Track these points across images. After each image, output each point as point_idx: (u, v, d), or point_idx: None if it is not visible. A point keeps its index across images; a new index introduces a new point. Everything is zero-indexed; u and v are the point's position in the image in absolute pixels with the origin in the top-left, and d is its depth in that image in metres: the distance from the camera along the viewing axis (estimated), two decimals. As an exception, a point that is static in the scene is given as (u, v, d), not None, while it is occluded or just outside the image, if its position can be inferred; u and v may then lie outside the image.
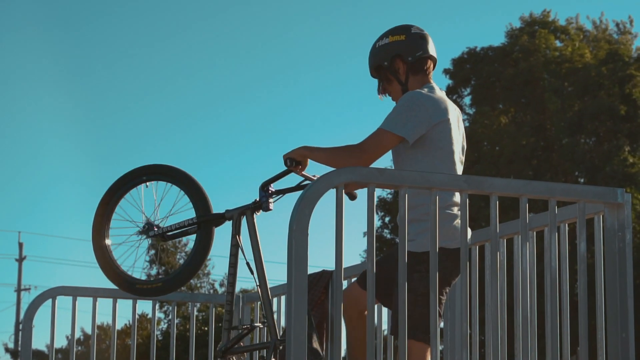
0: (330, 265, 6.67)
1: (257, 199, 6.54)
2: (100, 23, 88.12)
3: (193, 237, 6.72)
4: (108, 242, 6.85)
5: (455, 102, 38.85)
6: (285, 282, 5.03)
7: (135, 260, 6.85)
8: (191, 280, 45.72)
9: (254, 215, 6.60)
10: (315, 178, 6.42)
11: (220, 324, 6.78)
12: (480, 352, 5.91)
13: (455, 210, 5.80)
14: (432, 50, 6.16)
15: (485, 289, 5.88)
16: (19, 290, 60.80)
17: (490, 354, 5.69)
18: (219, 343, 6.61)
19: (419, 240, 5.64)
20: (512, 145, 38.46)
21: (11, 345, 55.54)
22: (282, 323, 7.72)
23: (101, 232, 6.87)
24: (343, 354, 5.95)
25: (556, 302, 5.41)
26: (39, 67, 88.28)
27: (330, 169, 5.36)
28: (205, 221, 6.63)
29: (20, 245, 60.97)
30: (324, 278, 6.98)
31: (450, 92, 41.84)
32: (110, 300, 8.17)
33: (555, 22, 42.73)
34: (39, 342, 55.13)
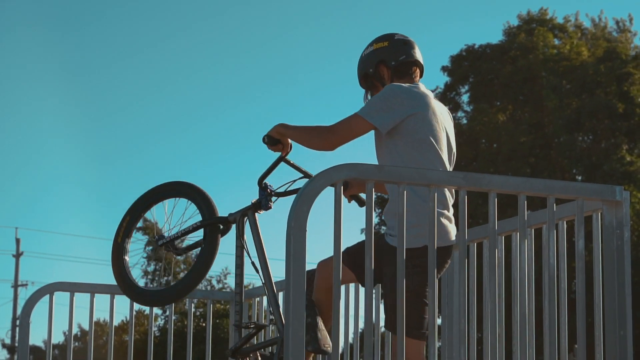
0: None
1: (257, 199, 6.57)
2: (100, 23, 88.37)
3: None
4: (127, 258, 6.88)
5: (452, 99, 39.12)
6: (284, 278, 5.03)
7: (137, 266, 6.91)
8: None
9: (256, 215, 6.62)
10: (305, 170, 6.50)
11: (217, 320, 6.79)
12: (478, 349, 5.91)
13: (442, 208, 5.81)
14: (416, 55, 6.29)
15: (484, 286, 5.88)
16: (15, 286, 60.82)
17: (488, 351, 5.70)
18: (217, 339, 6.65)
19: (406, 237, 5.64)
20: (510, 143, 38.48)
21: (8, 341, 55.60)
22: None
23: (120, 254, 6.91)
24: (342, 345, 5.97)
25: (554, 299, 5.42)
26: (39, 66, 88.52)
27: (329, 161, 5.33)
28: (210, 225, 6.64)
29: (18, 241, 60.98)
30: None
31: (448, 89, 41.94)
32: (108, 296, 8.18)
33: (553, 20, 42.72)
34: (36, 338, 55.19)
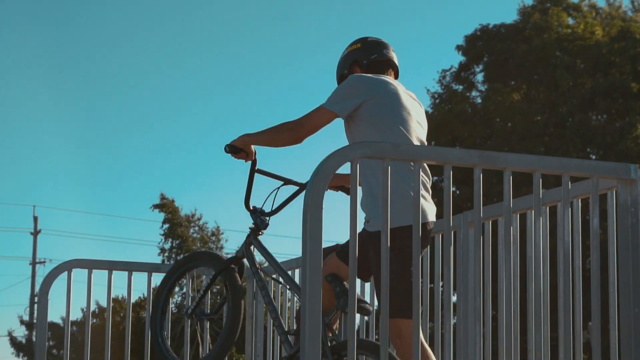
0: (344, 239, 6.70)
1: (252, 223, 6.66)
2: (88, 14, 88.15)
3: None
4: (165, 332, 6.91)
5: (467, 79, 39.02)
6: (300, 255, 5.03)
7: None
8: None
9: (258, 237, 6.66)
10: (280, 176, 6.71)
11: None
12: (493, 326, 5.91)
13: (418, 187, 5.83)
14: (389, 55, 6.48)
15: (498, 263, 5.88)
16: (33, 263, 60.95)
17: (503, 328, 5.69)
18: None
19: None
20: (524, 122, 38.44)
21: (26, 318, 55.72)
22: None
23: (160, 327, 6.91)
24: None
25: (569, 277, 5.41)
26: (28, 58, 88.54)
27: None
28: (224, 271, 6.63)
29: (35, 218, 61.11)
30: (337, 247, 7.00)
31: (462, 69, 41.98)
32: (125, 273, 8.19)
33: (568, -1, 42.66)
34: (54, 314, 55.23)
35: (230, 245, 61.41)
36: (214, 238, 47.35)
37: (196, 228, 47.05)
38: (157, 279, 8.21)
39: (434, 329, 6.46)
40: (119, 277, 8.19)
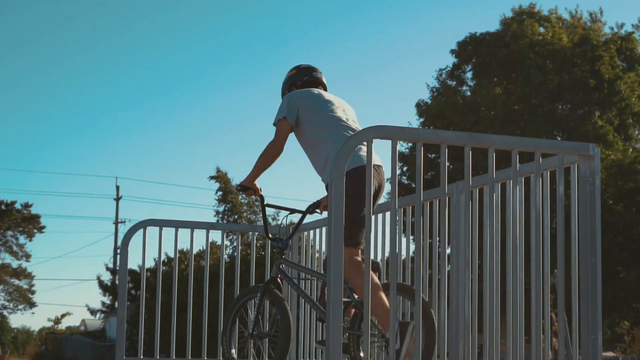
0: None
1: (277, 248, 6.68)
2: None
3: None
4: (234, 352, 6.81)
5: (459, 77, 38.87)
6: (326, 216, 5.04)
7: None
8: (251, 215, 45.41)
9: (284, 257, 6.69)
10: (284, 207, 6.89)
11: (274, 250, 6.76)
12: (478, 273, 5.92)
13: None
14: (317, 75, 6.78)
15: (484, 223, 5.88)
16: (116, 222, 61.38)
17: (487, 273, 5.69)
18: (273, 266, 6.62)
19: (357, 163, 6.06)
20: (505, 111, 38.40)
21: (111, 266, 56.03)
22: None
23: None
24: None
25: (539, 233, 5.41)
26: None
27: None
28: (266, 292, 6.58)
29: (117, 187, 61.60)
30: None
31: (455, 68, 41.89)
32: (189, 230, 8.22)
33: (539, 12, 42.49)
34: (132, 263, 55.63)
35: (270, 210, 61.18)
36: (257, 204, 47.47)
37: (243, 195, 47.17)
38: (213, 235, 8.26)
39: (432, 275, 6.46)
40: (183, 233, 8.22)
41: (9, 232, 67.37)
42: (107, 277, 54.05)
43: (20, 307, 70.49)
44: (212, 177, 47.13)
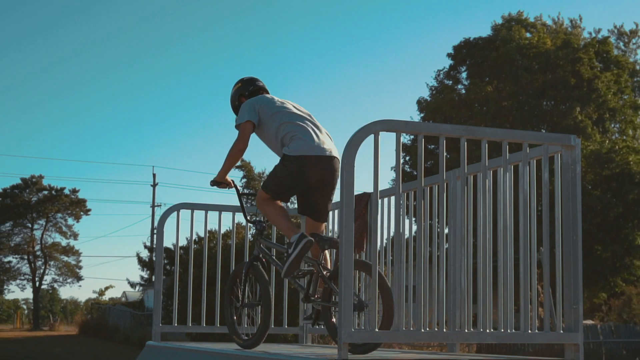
0: (369, 189, 6.69)
1: (256, 230, 6.72)
2: None
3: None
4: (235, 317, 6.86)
5: (454, 76, 38.78)
6: (339, 201, 5.02)
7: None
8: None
9: (263, 237, 6.74)
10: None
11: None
12: (473, 250, 5.89)
13: (299, 136, 6.29)
14: (259, 84, 6.96)
15: (477, 205, 5.86)
16: (153, 206, 61.52)
17: (480, 251, 5.68)
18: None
19: (287, 148, 6.27)
20: (495, 107, 38.32)
21: (148, 244, 56.20)
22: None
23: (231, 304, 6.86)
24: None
25: (527, 214, 5.40)
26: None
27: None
28: (251, 269, 6.65)
29: (154, 175, 61.69)
30: (364, 198, 6.99)
31: (451, 69, 41.86)
32: (217, 212, 8.21)
33: (526, 19, 42.42)
34: (166, 242, 55.71)
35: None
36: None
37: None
38: (239, 217, 8.24)
39: (432, 252, 6.45)
40: (212, 215, 8.21)
41: (59, 215, 67.68)
42: (145, 254, 54.13)
43: (69, 280, 70.90)
44: (237, 167, 47.18)
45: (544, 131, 37.05)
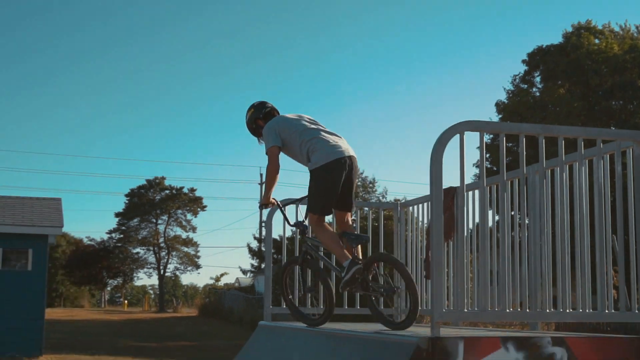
0: (453, 184, 6.61)
1: (300, 230, 6.84)
2: None
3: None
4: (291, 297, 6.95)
5: (529, 81, 38.34)
6: (428, 194, 4.99)
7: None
8: (365, 194, 45.14)
9: (307, 237, 6.82)
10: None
11: (384, 221, 6.76)
12: (552, 238, 5.78)
13: (317, 148, 6.34)
14: (270, 106, 6.98)
15: (555, 197, 5.74)
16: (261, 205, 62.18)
17: (558, 237, 5.56)
18: (387, 233, 6.61)
19: (311, 162, 6.33)
20: (568, 107, 37.57)
21: (257, 236, 56.83)
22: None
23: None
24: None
25: (602, 205, 5.27)
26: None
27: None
28: (302, 262, 6.85)
29: (261, 175, 62.18)
30: (451, 191, 6.94)
31: (526, 74, 41.20)
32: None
33: (595, 27, 41.37)
34: (274, 234, 56.58)
35: (380, 189, 61.09)
36: (371, 185, 47.47)
37: (359, 180, 47.32)
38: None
39: (514, 239, 6.35)
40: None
41: (179, 211, 68.98)
42: (254, 244, 54.82)
43: (189, 268, 72.24)
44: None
45: (613, 129, 36.39)
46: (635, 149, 5.27)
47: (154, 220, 69.47)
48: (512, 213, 6.50)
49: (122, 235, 69.64)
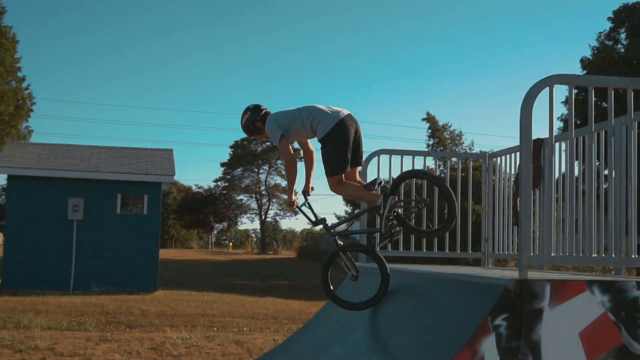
0: (543, 135, 6.45)
1: (324, 226, 6.61)
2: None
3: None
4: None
5: (614, 37, 36.99)
6: (514, 146, 4.89)
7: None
8: (453, 147, 44.68)
9: (332, 230, 6.64)
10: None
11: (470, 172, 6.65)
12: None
13: (319, 118, 6.29)
14: (263, 108, 6.85)
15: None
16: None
17: (612, 199, 5.38)
18: (475, 186, 6.50)
19: (320, 131, 6.29)
20: (652, 63, 36.26)
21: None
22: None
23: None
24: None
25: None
26: None
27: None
28: (344, 250, 6.65)
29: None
30: (538, 142, 6.79)
31: (611, 31, 39.77)
32: (410, 157, 8.16)
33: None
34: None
35: (467, 142, 60.08)
36: (458, 138, 47.01)
37: (448, 132, 46.90)
38: (428, 161, 8.17)
39: (600, 188, 6.18)
40: (407, 159, 8.18)
41: (279, 161, 69.73)
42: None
43: (287, 214, 73.15)
44: (423, 119, 47.01)
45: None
46: None
47: (256, 170, 70.61)
48: (597, 164, 6.32)
49: (227, 184, 71.12)
